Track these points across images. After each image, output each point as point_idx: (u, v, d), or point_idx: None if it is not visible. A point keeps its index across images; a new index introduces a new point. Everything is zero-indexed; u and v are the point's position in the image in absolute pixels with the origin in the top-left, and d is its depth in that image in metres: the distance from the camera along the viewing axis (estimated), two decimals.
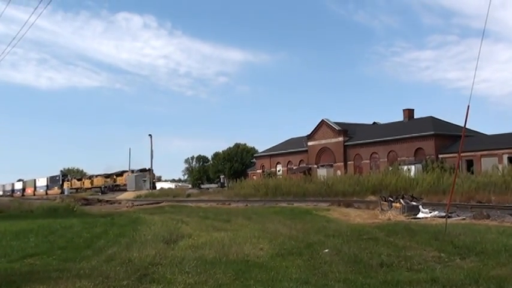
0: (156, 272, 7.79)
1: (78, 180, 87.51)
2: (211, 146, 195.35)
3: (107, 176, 79.39)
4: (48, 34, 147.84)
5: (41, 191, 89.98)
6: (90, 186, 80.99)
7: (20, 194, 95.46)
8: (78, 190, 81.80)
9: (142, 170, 71.38)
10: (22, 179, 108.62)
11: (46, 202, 37.18)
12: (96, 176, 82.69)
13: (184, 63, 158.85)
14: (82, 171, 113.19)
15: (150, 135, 65.93)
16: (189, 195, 47.54)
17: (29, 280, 7.36)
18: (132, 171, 72.91)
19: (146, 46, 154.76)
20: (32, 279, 7.45)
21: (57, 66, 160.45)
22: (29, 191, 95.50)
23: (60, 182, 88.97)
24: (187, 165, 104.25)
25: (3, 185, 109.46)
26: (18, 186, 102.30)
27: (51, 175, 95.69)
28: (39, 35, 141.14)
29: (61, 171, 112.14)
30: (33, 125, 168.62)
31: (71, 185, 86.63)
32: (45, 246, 11.39)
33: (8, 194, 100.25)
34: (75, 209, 27.47)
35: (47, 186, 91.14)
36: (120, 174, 77.16)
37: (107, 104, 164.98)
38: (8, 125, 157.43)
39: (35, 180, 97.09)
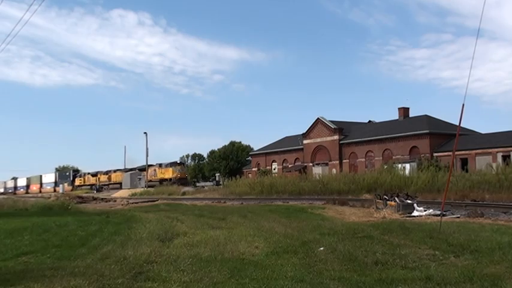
0: (151, 270, 7.78)
1: (93, 175, 79.76)
2: (207, 144, 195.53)
3: (128, 171, 72.64)
4: (42, 31, 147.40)
5: (48, 188, 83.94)
6: (107, 182, 74.60)
7: (24, 192, 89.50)
8: (93, 187, 75.76)
9: (173, 164, 65.75)
10: (16, 176, 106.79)
11: (41, 200, 37.06)
12: (115, 171, 75.38)
13: (180, 61, 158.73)
14: (77, 169, 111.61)
15: (145, 133, 65.54)
16: (184, 193, 47.49)
17: (23, 278, 7.33)
18: (160, 165, 66.67)
19: (141, 43, 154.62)
20: (26, 277, 7.41)
21: (51, 64, 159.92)
22: (34, 188, 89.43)
23: (71, 178, 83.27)
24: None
25: (5, 182, 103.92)
26: (22, 183, 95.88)
27: (60, 171, 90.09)
28: (33, 31, 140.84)
29: (56, 169, 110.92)
30: (27, 123, 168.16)
31: (84, 181, 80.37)
32: (39, 244, 11.33)
33: (10, 191, 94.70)
34: (70, 207, 27.39)
35: (55, 182, 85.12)
36: (144, 169, 69.91)
37: (101, 101, 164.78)
38: (1, 123, 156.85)
39: (41, 176, 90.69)
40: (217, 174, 79.11)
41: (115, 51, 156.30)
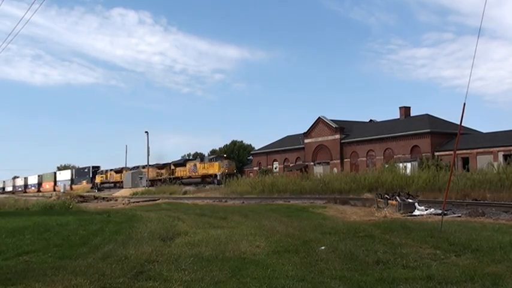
0: (152, 269, 7.78)
1: (117, 172, 71.38)
2: (208, 143, 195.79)
3: (161, 166, 64.33)
4: (42, 30, 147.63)
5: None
6: None
7: (36, 190, 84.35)
8: (117, 184, 69.31)
9: (219, 158, 57.76)
10: (17, 175, 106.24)
11: (42, 199, 37.10)
12: (144, 166, 66.55)
13: (180, 60, 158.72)
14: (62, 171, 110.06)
15: (146, 132, 65.04)
16: (185, 193, 47.48)
17: (24, 277, 7.33)
18: (202, 159, 58.89)
19: (141, 42, 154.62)
20: (27, 276, 7.41)
21: (52, 63, 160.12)
22: (48, 186, 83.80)
23: (91, 175, 76.63)
24: None
25: (13, 180, 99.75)
26: (33, 181, 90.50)
27: (78, 167, 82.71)
28: (33, 30, 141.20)
29: (58, 167, 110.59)
30: (28, 122, 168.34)
31: (106, 178, 73.08)
32: (40, 243, 11.33)
33: (20, 189, 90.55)
34: (71, 206, 27.41)
35: (72, 180, 79.56)
36: (182, 164, 61.18)
37: (102, 100, 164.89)
38: (2, 122, 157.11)
39: (55, 173, 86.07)
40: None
41: (115, 50, 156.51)
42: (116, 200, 43.36)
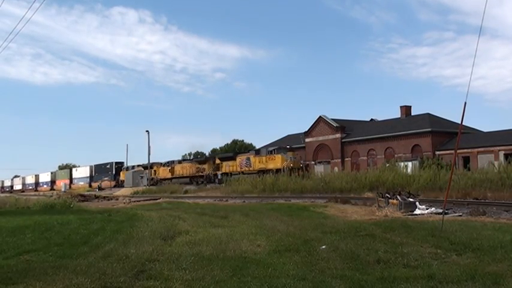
0: (153, 269, 7.79)
1: (146, 168, 64.37)
2: (209, 142, 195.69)
3: (202, 161, 55.09)
4: (42, 29, 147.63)
5: (81, 184, 73.39)
6: (169, 176, 58.31)
7: (49, 188, 79.06)
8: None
9: (280, 149, 49.44)
10: (18, 175, 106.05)
11: (42, 198, 37.13)
12: (180, 161, 58.55)
13: (181, 59, 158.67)
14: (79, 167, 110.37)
15: (147, 131, 64.64)
16: (186, 192, 47.47)
17: (25, 277, 7.34)
18: (258, 152, 50.68)
19: (142, 41, 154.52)
20: (28, 275, 7.42)
21: (52, 61, 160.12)
22: (62, 184, 77.10)
23: (113, 172, 69.64)
24: None
25: (23, 178, 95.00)
26: (45, 178, 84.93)
27: (96, 163, 74.89)
28: (33, 29, 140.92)
29: (59, 166, 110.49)
30: (29, 121, 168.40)
31: None
32: (41, 242, 11.34)
33: (31, 187, 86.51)
34: (72, 206, 27.39)
35: (91, 177, 73.46)
36: (231, 157, 52.33)
37: (103, 99, 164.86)
38: (3, 121, 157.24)
39: (70, 170, 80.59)
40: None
41: (116, 49, 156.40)
42: (117, 199, 43.38)
